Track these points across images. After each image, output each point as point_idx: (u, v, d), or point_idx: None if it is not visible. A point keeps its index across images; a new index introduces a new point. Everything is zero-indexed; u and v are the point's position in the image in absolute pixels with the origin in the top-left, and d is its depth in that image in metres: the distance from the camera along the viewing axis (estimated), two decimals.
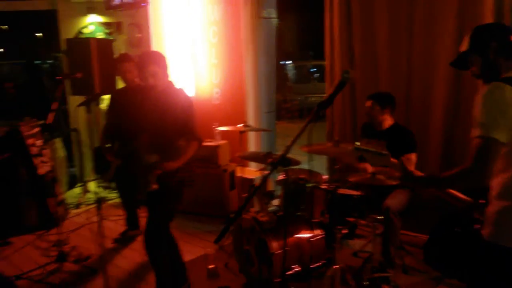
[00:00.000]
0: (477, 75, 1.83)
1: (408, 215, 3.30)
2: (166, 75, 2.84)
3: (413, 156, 3.26)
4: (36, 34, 14.65)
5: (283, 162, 1.89)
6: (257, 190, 3.03)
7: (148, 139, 2.93)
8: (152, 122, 2.86)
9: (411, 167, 3.17)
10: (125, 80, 3.83)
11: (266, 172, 3.76)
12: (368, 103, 3.45)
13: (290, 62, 15.29)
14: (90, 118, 4.10)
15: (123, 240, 4.13)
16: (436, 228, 3.40)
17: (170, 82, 2.89)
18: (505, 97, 1.59)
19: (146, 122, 2.90)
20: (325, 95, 4.80)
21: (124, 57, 3.87)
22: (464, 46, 1.84)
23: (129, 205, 4.13)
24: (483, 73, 1.80)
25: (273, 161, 2.07)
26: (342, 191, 3.02)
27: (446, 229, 3.23)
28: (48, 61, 12.26)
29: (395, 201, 3.18)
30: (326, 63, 4.35)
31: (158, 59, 2.78)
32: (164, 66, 2.80)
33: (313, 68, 14.84)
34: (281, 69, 14.71)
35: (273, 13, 5.23)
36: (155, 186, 2.62)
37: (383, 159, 1.94)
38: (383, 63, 3.93)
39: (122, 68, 3.76)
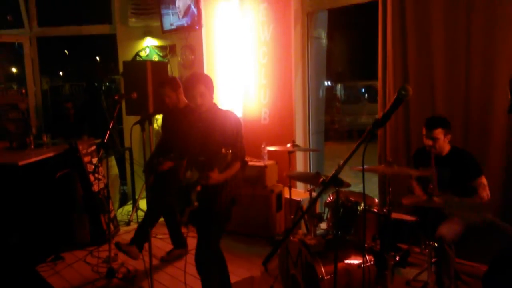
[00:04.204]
0: None
1: (464, 243, 3.09)
2: (212, 97, 2.89)
3: (484, 180, 3.07)
4: (97, 58, 15.58)
5: (335, 182, 1.81)
6: (306, 212, 2.95)
7: (189, 159, 2.97)
8: (196, 140, 2.89)
9: (486, 191, 3.00)
10: (164, 104, 3.94)
11: (315, 193, 3.69)
12: (437, 133, 3.16)
13: (339, 83, 15.17)
14: (144, 136, 4.25)
15: (170, 259, 4.15)
16: (497, 259, 3.16)
17: (215, 104, 2.94)
18: None
19: (190, 141, 2.94)
20: (376, 115, 4.67)
21: (162, 83, 3.98)
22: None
23: (169, 223, 4.17)
24: None
25: (324, 180, 2.00)
26: (395, 215, 2.87)
27: (508, 260, 2.99)
28: (107, 84, 12.94)
29: (449, 229, 2.98)
30: (379, 83, 4.23)
31: (205, 80, 2.85)
32: (210, 87, 2.86)
33: (363, 89, 14.61)
34: (330, 89, 14.59)
35: (322, 34, 5.22)
36: (196, 204, 2.62)
37: (479, 213, 1.84)
38: (439, 84, 3.76)
39: (161, 93, 3.87)
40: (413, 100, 3.90)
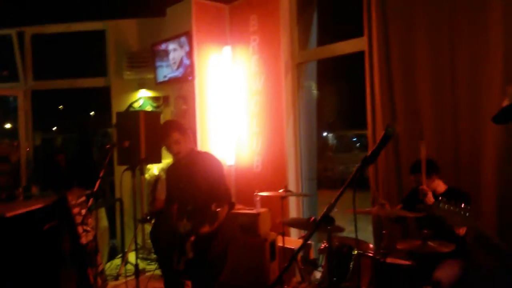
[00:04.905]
0: None
1: (462, 286, 3.00)
2: (189, 142, 2.89)
3: None
4: (90, 111, 15.74)
5: (326, 220, 1.78)
6: (297, 253, 2.88)
7: (179, 207, 2.93)
8: (182, 189, 2.87)
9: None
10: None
11: (309, 240, 3.61)
12: (412, 178, 3.33)
13: (331, 132, 15.42)
14: (134, 183, 4.20)
15: None
16: None
17: (192, 148, 2.94)
18: None
19: (176, 190, 2.92)
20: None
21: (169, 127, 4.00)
22: (506, 101, 1.78)
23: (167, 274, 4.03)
24: None
25: (315, 219, 1.97)
26: (390, 259, 2.81)
27: None
28: (99, 137, 13.00)
29: (446, 273, 2.91)
30: (368, 130, 4.28)
31: (178, 126, 2.86)
32: (185, 133, 2.86)
33: (354, 138, 14.83)
34: (322, 139, 14.79)
35: (313, 85, 5.38)
36: (191, 255, 2.60)
37: (466, 220, 1.85)
38: (428, 128, 3.81)
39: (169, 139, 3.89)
40: (402, 144, 3.95)
